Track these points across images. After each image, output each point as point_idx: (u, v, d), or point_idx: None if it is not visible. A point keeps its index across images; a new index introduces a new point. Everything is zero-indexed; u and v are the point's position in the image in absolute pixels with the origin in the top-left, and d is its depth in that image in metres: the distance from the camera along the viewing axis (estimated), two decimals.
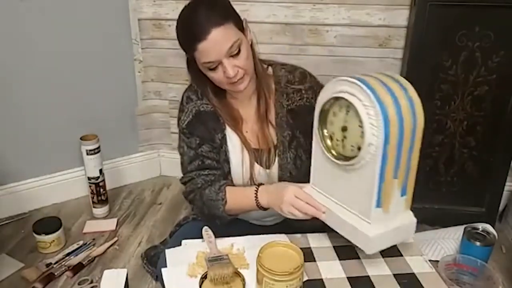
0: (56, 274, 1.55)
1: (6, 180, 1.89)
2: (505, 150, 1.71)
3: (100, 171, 1.87)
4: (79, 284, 1.52)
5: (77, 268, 1.58)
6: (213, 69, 1.03)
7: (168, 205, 2.04)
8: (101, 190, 1.89)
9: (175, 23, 1.05)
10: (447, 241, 1.62)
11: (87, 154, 1.81)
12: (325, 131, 0.93)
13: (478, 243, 1.44)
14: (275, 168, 1.15)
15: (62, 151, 1.97)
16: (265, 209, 1.07)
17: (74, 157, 1.95)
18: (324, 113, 0.92)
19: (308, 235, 1.06)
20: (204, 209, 1.14)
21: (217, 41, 0.98)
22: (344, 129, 0.88)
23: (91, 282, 1.52)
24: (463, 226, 1.55)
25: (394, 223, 0.89)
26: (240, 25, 1.05)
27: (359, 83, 0.82)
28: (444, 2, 1.55)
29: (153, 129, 2.19)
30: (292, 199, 0.98)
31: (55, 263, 1.60)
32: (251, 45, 1.09)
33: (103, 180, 1.89)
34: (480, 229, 1.50)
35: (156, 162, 2.27)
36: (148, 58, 2.05)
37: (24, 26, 1.73)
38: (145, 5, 1.94)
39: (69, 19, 1.81)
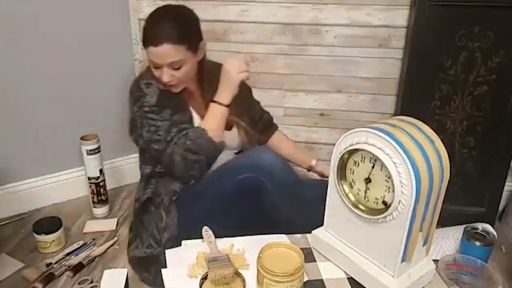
0: (56, 274, 1.55)
1: (6, 180, 1.89)
2: (505, 150, 1.71)
3: (100, 171, 1.87)
4: (79, 284, 1.52)
5: (77, 268, 1.58)
6: (155, 68, 1.25)
7: None
8: (101, 190, 1.89)
9: None
10: (446, 241, 1.62)
11: (87, 154, 1.81)
12: (345, 186, 0.89)
13: (478, 243, 1.44)
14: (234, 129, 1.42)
15: (62, 151, 1.97)
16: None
17: (74, 157, 1.95)
18: (342, 161, 0.88)
19: (308, 235, 1.06)
20: (189, 155, 1.23)
21: (164, 53, 1.19)
22: (367, 180, 0.84)
23: (91, 282, 1.52)
24: (463, 226, 1.54)
25: (416, 273, 0.87)
26: (193, 48, 1.24)
27: (385, 136, 0.77)
28: (444, 2, 1.55)
29: None
30: (237, 73, 1.22)
31: (55, 263, 1.60)
32: (201, 61, 1.32)
33: (103, 180, 1.89)
34: (480, 229, 1.50)
35: None
36: None
37: (23, 25, 1.73)
38: (145, 5, 1.94)
39: (69, 18, 1.81)
